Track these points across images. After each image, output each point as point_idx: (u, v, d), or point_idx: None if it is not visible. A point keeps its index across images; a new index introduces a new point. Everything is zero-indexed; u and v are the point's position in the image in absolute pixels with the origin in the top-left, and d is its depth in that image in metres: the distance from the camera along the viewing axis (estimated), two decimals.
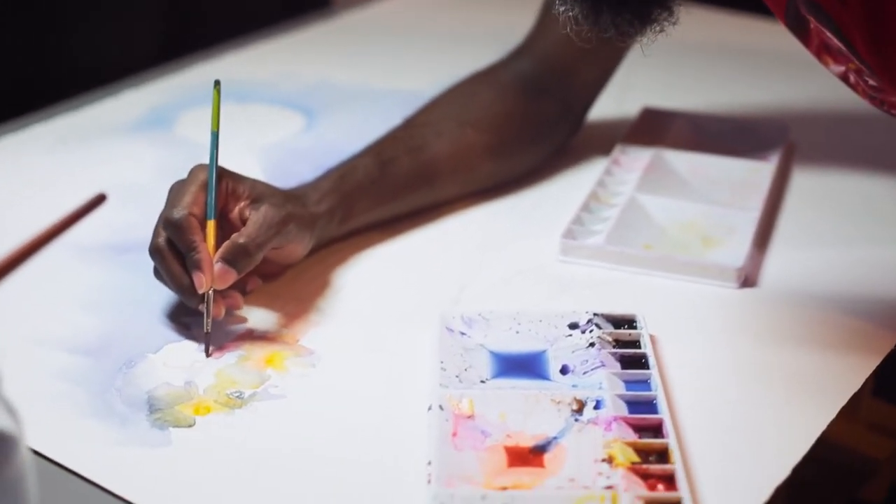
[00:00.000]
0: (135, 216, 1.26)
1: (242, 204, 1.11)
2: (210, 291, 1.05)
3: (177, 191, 1.10)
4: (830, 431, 0.97)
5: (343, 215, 1.20)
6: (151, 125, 1.52)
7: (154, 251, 1.07)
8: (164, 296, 1.13)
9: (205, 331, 1.06)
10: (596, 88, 1.40)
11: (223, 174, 1.11)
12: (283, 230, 1.10)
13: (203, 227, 1.08)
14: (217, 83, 1.15)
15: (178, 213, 1.07)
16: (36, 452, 0.92)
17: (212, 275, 1.05)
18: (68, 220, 0.75)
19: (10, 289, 1.11)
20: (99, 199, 0.77)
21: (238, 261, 1.06)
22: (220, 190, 1.10)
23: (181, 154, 1.41)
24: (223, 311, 1.08)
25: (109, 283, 1.17)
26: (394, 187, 1.25)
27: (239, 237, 1.08)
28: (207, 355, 1.05)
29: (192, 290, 1.05)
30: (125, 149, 1.46)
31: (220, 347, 1.06)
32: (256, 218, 1.09)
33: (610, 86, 1.41)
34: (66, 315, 1.11)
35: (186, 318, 1.10)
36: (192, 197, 1.08)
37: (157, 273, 1.09)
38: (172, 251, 1.07)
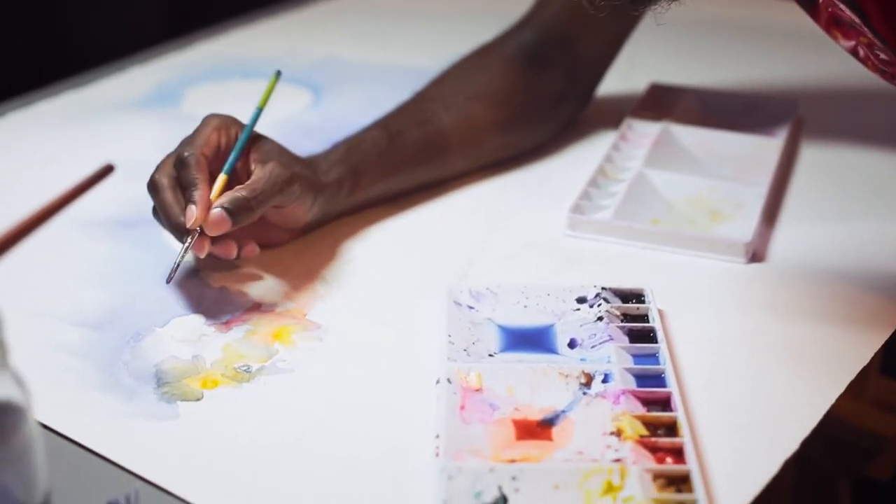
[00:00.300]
0: (141, 191, 1.26)
1: (251, 159, 1.12)
2: (188, 240, 1.06)
3: (189, 135, 1.11)
4: (838, 408, 0.97)
5: (352, 186, 1.20)
6: (158, 101, 1.52)
7: (150, 184, 1.08)
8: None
9: (175, 262, 1.06)
10: (602, 62, 1.40)
11: (237, 126, 1.12)
12: (286, 189, 1.10)
13: (212, 168, 1.09)
14: (278, 73, 1.18)
15: (189, 150, 1.08)
16: (44, 426, 0.92)
17: (205, 215, 1.05)
18: (76, 191, 0.75)
19: (17, 263, 1.11)
20: (106, 170, 0.77)
21: (237, 211, 1.06)
22: (231, 140, 1.11)
23: (188, 129, 1.40)
24: (206, 249, 1.07)
25: (116, 257, 1.17)
26: (402, 160, 1.24)
27: (241, 189, 1.08)
28: (167, 282, 1.07)
29: (181, 225, 1.06)
30: (132, 125, 1.46)
31: (227, 322, 1.06)
32: (262, 174, 1.09)
33: (617, 61, 1.40)
34: (73, 289, 1.11)
35: (195, 293, 1.10)
36: (203, 139, 1.09)
37: (153, 210, 1.10)
38: (171, 187, 1.07)
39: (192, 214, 1.05)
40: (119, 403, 0.96)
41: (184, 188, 1.07)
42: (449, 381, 0.95)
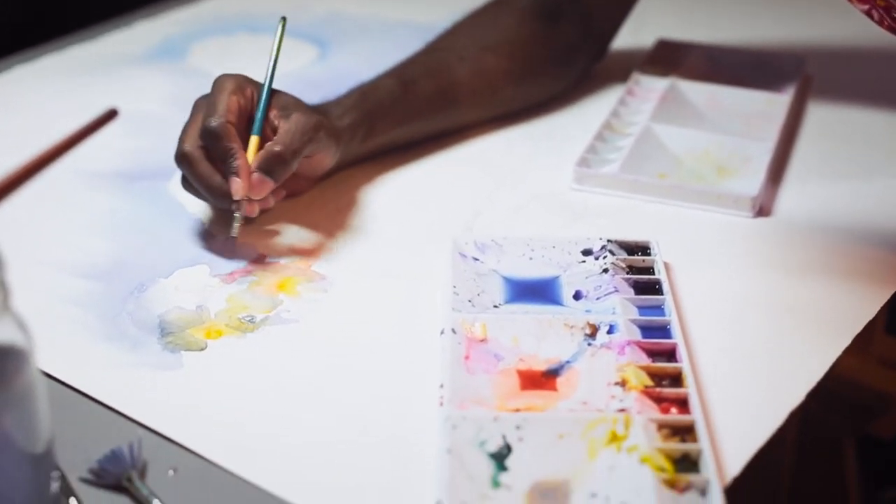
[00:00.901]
0: (147, 144, 1.26)
1: (271, 115, 1.11)
2: (238, 208, 1.06)
3: (209, 101, 1.09)
4: (843, 366, 0.97)
5: (365, 132, 1.19)
6: (164, 56, 1.51)
7: (181, 156, 1.07)
8: (176, 222, 1.13)
9: (231, 234, 1.06)
10: (615, 16, 1.39)
11: (250, 85, 1.11)
12: (315, 137, 1.10)
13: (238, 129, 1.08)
14: (283, 19, 1.17)
15: (216, 120, 1.06)
16: (48, 375, 0.92)
17: (249, 182, 1.05)
18: (80, 135, 0.74)
19: (22, 215, 1.12)
20: (110, 115, 0.76)
21: (275, 169, 1.06)
22: (248, 100, 1.10)
23: (193, 84, 1.40)
24: (257, 210, 1.08)
25: (121, 209, 1.16)
26: (416, 108, 1.24)
27: (274, 145, 1.07)
28: (229, 257, 1.07)
29: (223, 190, 1.05)
30: (137, 79, 1.45)
31: (232, 273, 1.06)
32: (289, 126, 1.09)
33: None
34: (78, 241, 1.11)
35: (199, 246, 1.10)
36: (224, 105, 1.07)
37: (184, 181, 1.09)
38: (203, 157, 1.06)
39: (239, 187, 1.05)
40: (123, 353, 0.96)
41: (220, 159, 1.06)
42: (453, 331, 0.94)
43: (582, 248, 1.06)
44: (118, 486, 0.82)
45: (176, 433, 0.87)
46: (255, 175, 1.05)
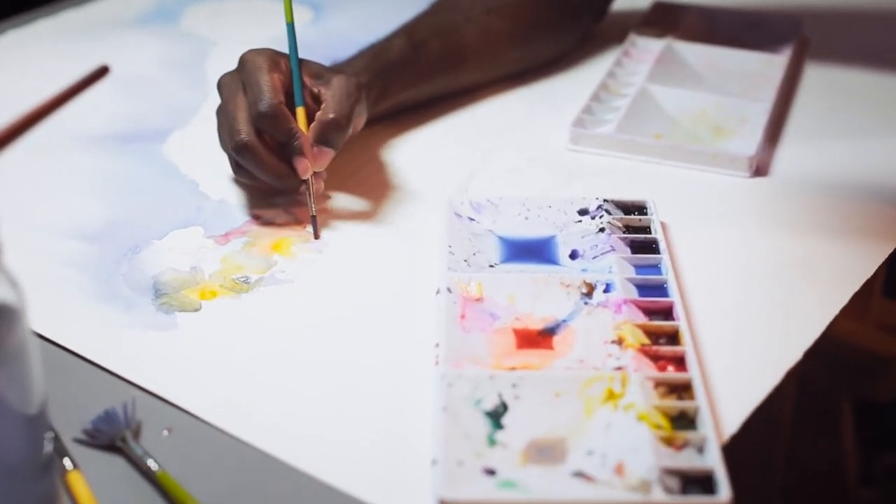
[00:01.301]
0: (140, 107, 1.26)
1: (306, 81, 1.09)
2: (308, 186, 1.05)
3: (251, 83, 1.06)
4: (840, 330, 0.96)
5: (378, 94, 1.18)
6: (158, 19, 1.50)
7: (243, 147, 1.04)
8: (170, 183, 1.13)
9: (311, 214, 1.05)
10: None
11: (282, 58, 1.09)
12: (360, 97, 1.09)
13: None
14: None
15: (267, 103, 1.04)
16: (42, 337, 0.91)
17: (312, 158, 1.05)
18: (71, 91, 0.73)
19: (16, 177, 1.12)
20: (101, 72, 0.75)
21: (332, 138, 1.05)
22: (286, 74, 1.08)
23: (187, 47, 1.40)
24: (322, 186, 1.07)
25: (115, 171, 1.16)
26: (426, 69, 1.24)
27: (327, 113, 1.06)
28: (316, 237, 1.05)
29: (290, 175, 1.05)
30: (131, 42, 1.44)
31: (226, 234, 1.05)
32: (334, 91, 1.07)
33: None
34: (72, 203, 1.10)
35: (192, 207, 1.09)
36: (270, 86, 1.05)
37: (238, 168, 1.08)
38: (262, 144, 1.05)
39: (306, 166, 1.04)
40: (117, 314, 0.95)
41: (281, 141, 1.05)
42: (449, 290, 0.94)
43: (578, 208, 1.05)
44: (112, 447, 0.82)
45: (170, 393, 0.87)
46: (317, 148, 1.05)
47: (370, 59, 1.19)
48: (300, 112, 1.07)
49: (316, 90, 1.09)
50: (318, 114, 1.06)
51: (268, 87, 1.05)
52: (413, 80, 1.23)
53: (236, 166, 1.08)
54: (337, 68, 1.15)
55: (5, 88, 1.32)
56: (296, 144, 1.04)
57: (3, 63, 1.39)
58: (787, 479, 1.51)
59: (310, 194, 1.05)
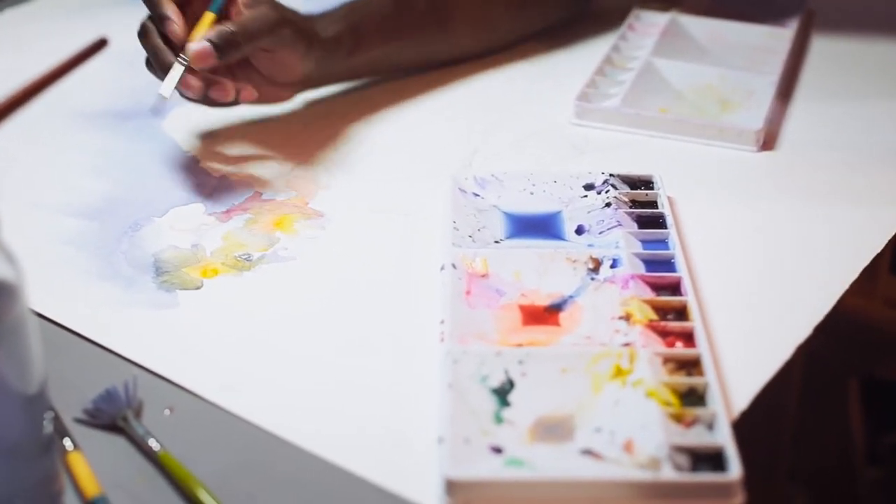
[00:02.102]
0: (141, 82, 1.23)
1: (241, 3, 1.09)
2: (181, 62, 1.04)
3: None
4: (848, 306, 0.95)
5: (351, 46, 1.17)
6: None
7: (139, 33, 1.07)
8: (171, 160, 1.12)
9: (161, 92, 1.03)
10: None
11: None
12: (277, 31, 1.08)
13: (199, 12, 1.07)
14: None
15: None
16: (42, 316, 0.90)
17: (184, 28, 1.04)
18: (69, 64, 0.72)
19: (15, 155, 1.11)
20: (100, 44, 0.74)
21: (223, 45, 1.04)
22: None
23: None
24: (196, 87, 1.05)
25: (114, 148, 1.14)
26: (407, 26, 1.22)
27: (228, 24, 1.06)
28: (154, 112, 1.05)
29: (165, 52, 1.05)
30: (132, 18, 1.42)
31: (227, 211, 1.04)
32: (251, 13, 1.07)
33: None
34: (71, 180, 1.09)
35: (194, 183, 1.08)
36: None
37: (147, 63, 1.08)
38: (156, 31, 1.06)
39: (174, 28, 1.04)
40: (117, 292, 0.94)
41: (158, 25, 1.05)
42: (454, 266, 0.93)
43: (584, 183, 1.04)
44: (113, 426, 0.81)
45: (172, 372, 0.86)
46: (200, 43, 1.04)
47: (347, 10, 1.17)
48: (208, 16, 1.07)
49: (243, 11, 1.08)
50: (224, 22, 1.06)
51: None
52: (393, 36, 1.21)
53: (146, 60, 1.08)
54: (312, 17, 1.14)
55: (6, 64, 1.30)
56: (166, 24, 1.04)
57: (3, 39, 1.38)
58: (794, 457, 1.50)
59: (173, 73, 1.04)
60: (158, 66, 1.05)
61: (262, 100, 1.13)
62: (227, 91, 1.07)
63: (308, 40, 1.11)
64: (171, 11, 1.04)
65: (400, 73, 1.25)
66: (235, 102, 1.09)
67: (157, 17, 1.05)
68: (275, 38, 1.08)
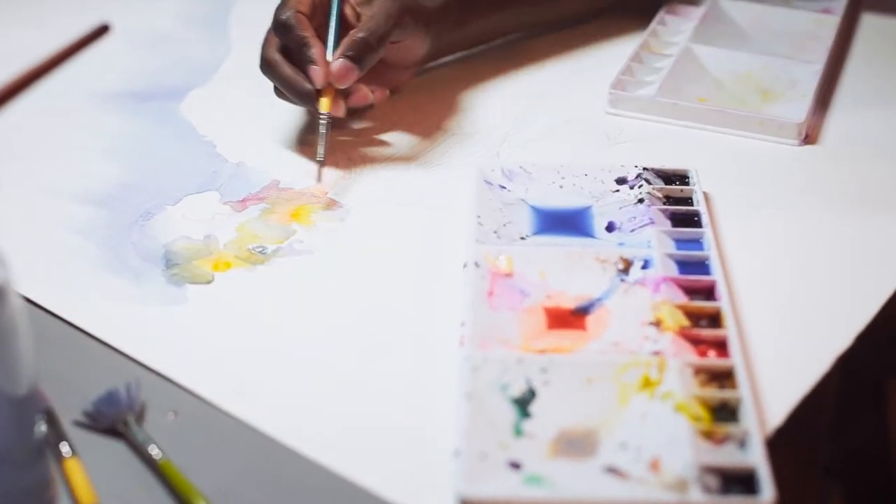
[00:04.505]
0: (159, 63, 1.21)
1: (352, 2, 1.07)
2: (324, 121, 1.02)
3: None
4: (889, 307, 0.91)
5: (458, 16, 1.15)
6: None
7: (264, 63, 1.04)
8: (186, 145, 1.08)
9: (318, 158, 1.02)
10: None
11: None
12: (401, 22, 1.06)
13: (316, 26, 1.05)
14: None
15: (286, 13, 1.03)
16: (43, 308, 0.87)
17: (327, 68, 1.02)
18: (68, 51, 0.68)
19: (21, 136, 1.08)
20: (102, 30, 0.70)
21: (360, 55, 1.03)
22: None
23: (208, 1, 1.35)
24: (343, 108, 1.04)
25: (128, 131, 1.11)
26: None
27: (358, 31, 1.04)
28: (317, 180, 1.02)
29: (309, 92, 1.02)
30: None
31: (243, 200, 1.00)
32: (372, 12, 1.05)
33: None
34: (82, 164, 1.06)
35: (209, 169, 1.05)
36: None
37: (276, 90, 1.06)
38: (286, 59, 1.03)
39: (318, 74, 1.02)
40: (124, 286, 0.90)
41: (295, 52, 1.03)
42: (477, 264, 0.89)
43: (616, 177, 1.00)
44: (113, 430, 0.77)
45: (177, 373, 0.82)
46: (340, 61, 1.02)
47: None
48: (334, 32, 1.05)
49: (358, 10, 1.07)
50: (351, 32, 1.04)
51: None
52: (497, 4, 1.19)
53: (274, 87, 1.06)
54: None
55: (17, 43, 1.26)
56: (307, 53, 1.02)
57: (14, 19, 1.34)
58: (831, 452, 1.46)
59: (322, 137, 1.02)
60: (295, 96, 1.03)
61: (385, 86, 1.11)
62: (365, 96, 1.06)
63: (426, 19, 1.10)
64: (311, 35, 1.03)
65: (503, 39, 1.24)
66: (371, 105, 1.08)
67: (295, 42, 1.03)
68: (402, 31, 1.07)
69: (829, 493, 1.49)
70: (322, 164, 1.02)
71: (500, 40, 1.24)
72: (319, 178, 1.02)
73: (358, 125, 1.11)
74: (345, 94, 1.04)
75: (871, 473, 1.51)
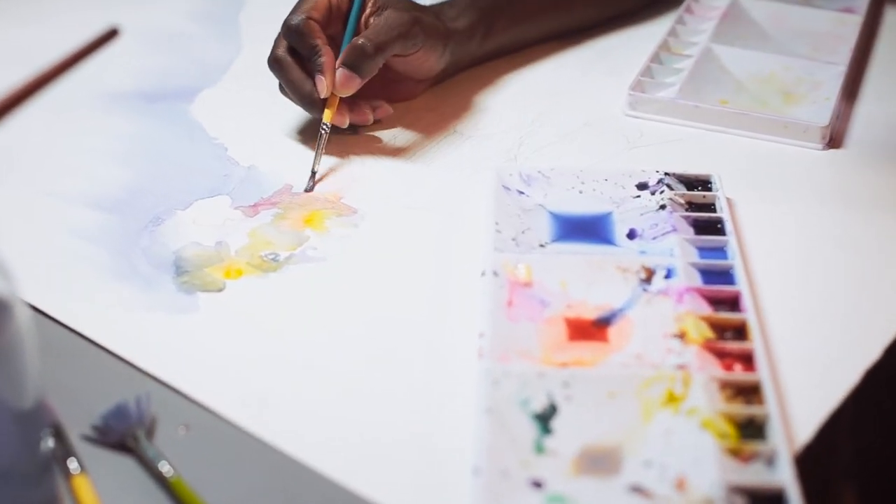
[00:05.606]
0: (168, 62, 1.19)
1: (367, 12, 1.06)
2: (324, 131, 1.02)
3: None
4: None
5: (484, 33, 1.16)
6: None
7: (272, 62, 1.04)
8: (197, 147, 1.07)
9: (312, 168, 1.01)
10: None
11: None
12: (408, 34, 1.05)
13: (334, 32, 1.06)
14: None
15: (297, 18, 1.03)
16: (49, 317, 0.85)
17: (334, 79, 1.02)
18: (77, 55, 0.66)
19: (29, 138, 1.05)
20: (110, 34, 0.68)
21: (359, 63, 1.03)
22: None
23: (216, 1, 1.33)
24: (347, 121, 1.05)
25: (137, 133, 1.09)
26: (531, 7, 1.21)
27: (357, 39, 1.03)
28: (306, 190, 1.01)
29: (314, 98, 1.03)
30: None
31: (255, 205, 0.98)
32: (378, 21, 1.05)
33: None
34: (91, 167, 1.04)
35: (220, 173, 1.03)
36: (311, 2, 1.04)
37: (281, 88, 1.06)
38: (295, 60, 1.04)
39: (323, 85, 1.02)
40: (133, 293, 0.88)
41: (306, 59, 1.03)
42: (495, 273, 0.87)
43: (637, 182, 0.98)
44: (122, 446, 0.75)
45: (188, 386, 0.80)
46: (339, 71, 1.02)
47: None
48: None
49: (371, 20, 1.06)
50: (353, 39, 1.04)
51: (307, 3, 1.04)
52: (519, 18, 1.21)
53: (279, 85, 1.06)
54: (438, 7, 1.13)
55: (28, 41, 1.25)
56: (317, 62, 1.02)
57: (25, 15, 1.33)
58: (849, 454, 1.44)
59: (318, 148, 1.02)
60: (300, 101, 1.04)
61: (399, 99, 1.12)
62: (365, 116, 1.07)
63: (444, 37, 1.10)
64: (322, 42, 1.03)
65: (518, 50, 1.23)
66: (379, 120, 1.09)
67: (306, 49, 1.03)
68: (406, 43, 1.06)
69: (846, 495, 1.48)
70: (314, 174, 1.01)
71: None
72: (310, 189, 1.01)
73: (370, 131, 1.09)
74: (349, 108, 1.05)
75: (889, 477, 1.49)
